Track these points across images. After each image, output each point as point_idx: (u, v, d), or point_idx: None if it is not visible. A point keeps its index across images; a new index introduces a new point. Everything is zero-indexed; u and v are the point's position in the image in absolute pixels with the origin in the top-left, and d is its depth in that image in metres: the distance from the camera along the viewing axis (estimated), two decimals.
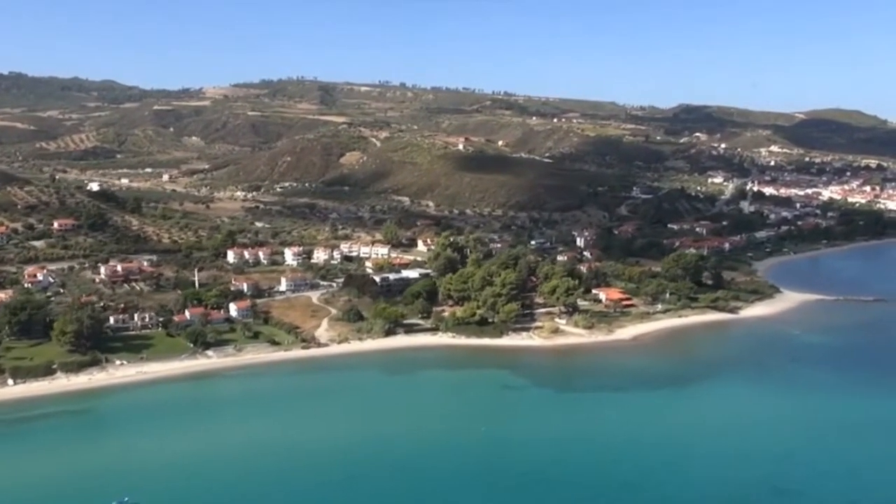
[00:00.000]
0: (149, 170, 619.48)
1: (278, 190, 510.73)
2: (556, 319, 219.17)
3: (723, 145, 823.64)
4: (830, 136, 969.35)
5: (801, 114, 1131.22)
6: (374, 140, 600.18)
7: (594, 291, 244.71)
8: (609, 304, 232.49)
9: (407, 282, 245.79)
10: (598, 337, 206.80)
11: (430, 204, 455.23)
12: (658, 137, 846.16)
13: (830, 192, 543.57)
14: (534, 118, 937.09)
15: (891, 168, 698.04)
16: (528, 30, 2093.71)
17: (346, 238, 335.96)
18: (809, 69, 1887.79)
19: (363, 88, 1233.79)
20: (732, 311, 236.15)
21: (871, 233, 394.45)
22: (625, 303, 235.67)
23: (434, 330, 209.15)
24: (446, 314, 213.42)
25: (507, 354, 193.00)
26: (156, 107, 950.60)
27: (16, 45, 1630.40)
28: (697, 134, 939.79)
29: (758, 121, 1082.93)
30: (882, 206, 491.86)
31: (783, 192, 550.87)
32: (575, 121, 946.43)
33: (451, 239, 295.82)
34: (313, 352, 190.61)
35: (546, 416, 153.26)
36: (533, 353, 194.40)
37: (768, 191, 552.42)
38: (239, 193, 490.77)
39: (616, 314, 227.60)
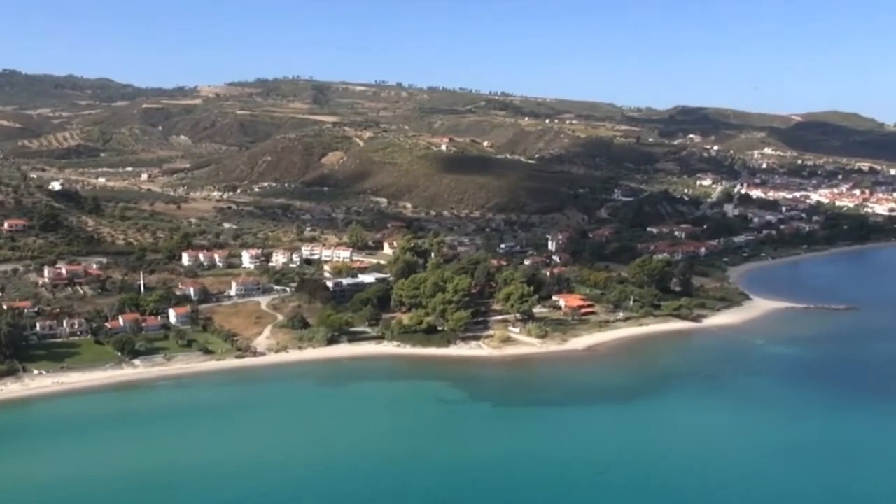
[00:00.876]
0: (130, 169, 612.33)
1: (256, 190, 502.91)
2: (510, 328, 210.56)
3: (715, 147, 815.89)
4: (826, 139, 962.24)
5: (798, 116, 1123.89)
6: (357, 140, 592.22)
7: (554, 298, 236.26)
8: (568, 312, 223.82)
9: (362, 287, 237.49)
10: (550, 347, 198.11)
11: (408, 205, 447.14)
12: (651, 139, 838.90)
13: (819, 196, 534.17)
14: (526, 119, 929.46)
15: (883, 171, 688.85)
16: (528, 31, 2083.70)
17: (313, 240, 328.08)
18: (809, 71, 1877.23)
19: (358, 88, 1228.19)
20: (696, 319, 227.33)
21: (855, 237, 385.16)
22: (584, 310, 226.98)
23: (380, 338, 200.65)
24: (394, 322, 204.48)
25: (451, 365, 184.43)
26: (145, 105, 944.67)
27: (11, 43, 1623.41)
28: (691, 136, 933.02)
29: (754, 123, 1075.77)
30: (869, 210, 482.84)
31: (771, 194, 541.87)
32: (568, 122, 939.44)
33: (414, 242, 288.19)
34: (247, 361, 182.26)
35: (475, 433, 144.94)
36: (478, 364, 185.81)
37: (756, 194, 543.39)
38: (215, 193, 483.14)
39: (574, 322, 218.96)
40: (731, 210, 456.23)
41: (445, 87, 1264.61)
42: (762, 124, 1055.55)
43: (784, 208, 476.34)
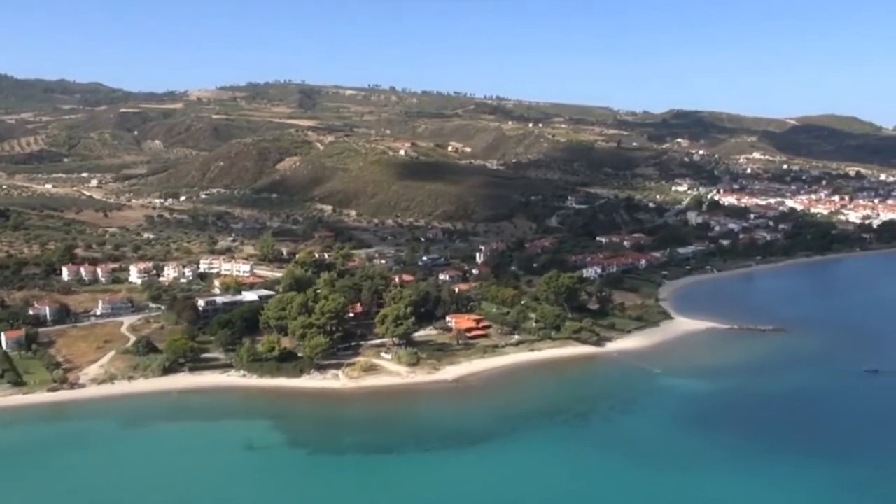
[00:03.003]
0: (86, 174, 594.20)
1: (203, 197, 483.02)
2: (383, 354, 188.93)
3: (701, 152, 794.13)
4: (819, 143, 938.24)
5: (794, 119, 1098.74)
6: (318, 144, 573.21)
7: (448, 319, 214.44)
8: (454, 335, 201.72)
9: (239, 306, 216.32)
10: (417, 377, 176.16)
11: (353, 213, 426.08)
12: (634, 143, 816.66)
13: (794, 202, 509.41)
14: (510, 122, 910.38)
15: (870, 176, 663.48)
16: (527, 34, 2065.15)
17: (228, 251, 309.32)
18: (810, 74, 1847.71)
19: (349, 92, 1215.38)
20: (598, 343, 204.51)
21: (817, 248, 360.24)
22: (475, 333, 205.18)
23: (229, 367, 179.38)
24: (243, 348, 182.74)
25: (292, 400, 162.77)
26: (122, 109, 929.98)
27: (4, 47, 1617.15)
28: (679, 140, 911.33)
29: (749, 126, 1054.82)
30: (842, 218, 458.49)
31: (745, 201, 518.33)
32: (553, 126, 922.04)
33: (317, 255, 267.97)
34: (61, 395, 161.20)
35: (267, 491, 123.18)
36: (323, 399, 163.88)
37: (729, 200, 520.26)
38: (157, 200, 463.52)
39: (459, 347, 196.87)
40: (693, 218, 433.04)
41: (440, 91, 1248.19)
42: (757, 128, 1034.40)
43: (753, 216, 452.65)
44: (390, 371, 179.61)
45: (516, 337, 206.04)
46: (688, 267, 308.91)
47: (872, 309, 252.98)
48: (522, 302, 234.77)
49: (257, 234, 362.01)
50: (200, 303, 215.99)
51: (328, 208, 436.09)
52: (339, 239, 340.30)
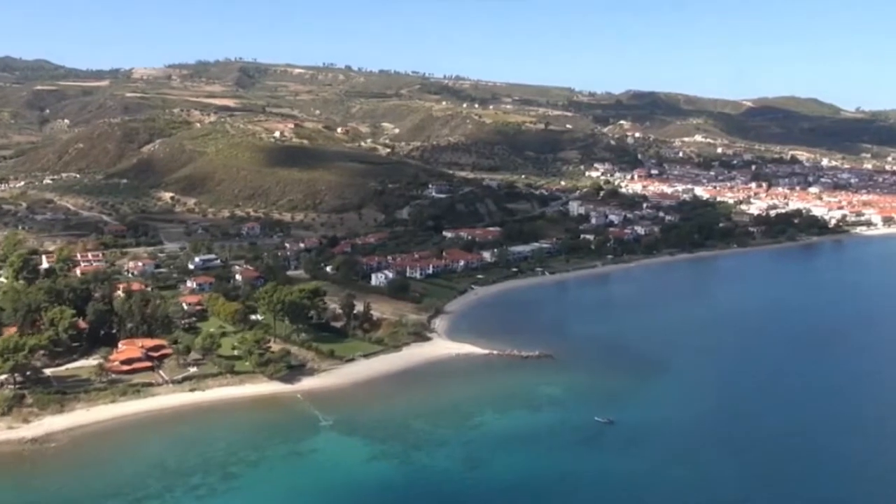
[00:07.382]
0: None
1: (46, 182, 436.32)
2: None
3: (637, 134, 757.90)
4: (769, 126, 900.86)
5: (749, 101, 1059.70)
6: (197, 125, 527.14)
7: (121, 344, 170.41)
8: (96, 370, 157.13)
9: None
10: None
11: (191, 202, 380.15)
12: (568, 125, 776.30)
13: (702, 190, 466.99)
14: (444, 103, 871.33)
15: (805, 161, 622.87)
16: (494, 12, 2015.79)
17: None
18: (777, 56, 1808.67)
19: (297, 70, 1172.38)
20: (289, 378, 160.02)
21: (688, 243, 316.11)
22: (137, 364, 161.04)
23: None
24: None
25: None
26: (37, 87, 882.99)
27: None
28: (622, 122, 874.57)
29: (706, 108, 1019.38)
30: (744, 208, 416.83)
31: (652, 188, 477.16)
32: (495, 107, 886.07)
33: (35, 256, 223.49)
34: None
35: None
36: None
37: (635, 188, 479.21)
38: None
39: (102, 385, 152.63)
40: (576, 208, 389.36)
41: (398, 70, 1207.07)
42: (713, 110, 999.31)
43: (646, 205, 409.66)
44: None
45: (193, 370, 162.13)
46: (515, 269, 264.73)
47: (680, 326, 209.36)
48: (255, 317, 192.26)
49: (51, 227, 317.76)
50: None
51: (167, 196, 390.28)
52: (135, 233, 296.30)
